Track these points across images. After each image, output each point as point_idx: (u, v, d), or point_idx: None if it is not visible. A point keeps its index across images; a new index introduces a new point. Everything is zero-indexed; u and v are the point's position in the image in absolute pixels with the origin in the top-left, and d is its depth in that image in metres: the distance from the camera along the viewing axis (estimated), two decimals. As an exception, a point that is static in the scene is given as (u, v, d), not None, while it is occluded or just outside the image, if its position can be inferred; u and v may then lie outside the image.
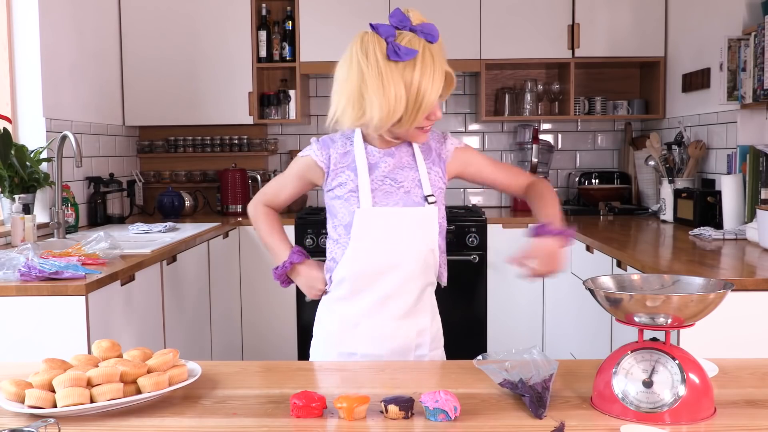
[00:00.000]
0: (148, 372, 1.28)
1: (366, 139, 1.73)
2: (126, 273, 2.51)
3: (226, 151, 4.46)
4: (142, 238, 3.32)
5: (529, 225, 1.69)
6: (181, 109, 4.28)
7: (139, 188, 4.36)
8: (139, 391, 1.26)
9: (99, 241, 2.63)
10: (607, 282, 1.28)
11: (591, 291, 1.23)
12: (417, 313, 1.74)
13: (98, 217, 3.80)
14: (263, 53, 4.29)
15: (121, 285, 2.51)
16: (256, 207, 1.90)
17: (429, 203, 1.70)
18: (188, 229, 3.54)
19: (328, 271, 1.77)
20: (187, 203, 4.32)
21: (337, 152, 1.73)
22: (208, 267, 3.60)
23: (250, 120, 4.27)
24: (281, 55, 4.31)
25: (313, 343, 1.84)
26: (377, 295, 1.71)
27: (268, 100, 4.36)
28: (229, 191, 4.31)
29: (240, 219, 4.10)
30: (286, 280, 1.83)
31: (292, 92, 4.33)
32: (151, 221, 3.89)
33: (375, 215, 1.68)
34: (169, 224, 3.58)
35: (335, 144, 1.75)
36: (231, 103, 4.27)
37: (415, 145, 1.74)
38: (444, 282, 1.81)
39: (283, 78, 4.51)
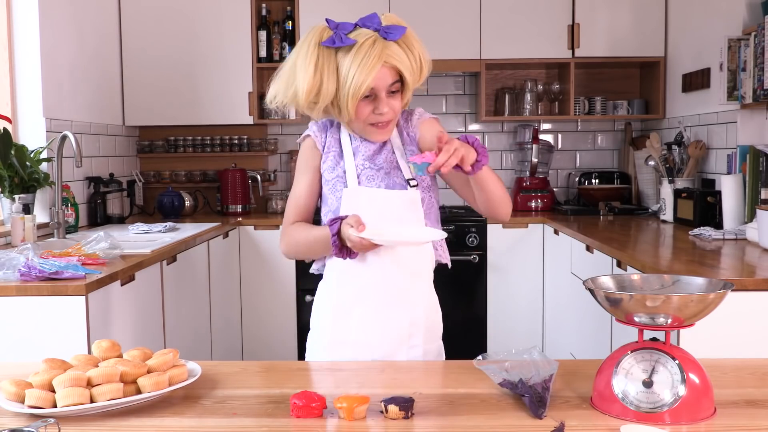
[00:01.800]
0: (148, 372, 1.28)
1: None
2: (126, 273, 2.51)
3: (226, 151, 4.46)
4: (142, 238, 3.32)
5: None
6: (181, 109, 4.28)
7: (139, 188, 4.36)
8: (139, 391, 1.26)
9: (99, 241, 2.63)
10: (607, 282, 1.28)
11: (591, 291, 1.23)
12: (409, 303, 1.72)
13: (98, 217, 3.80)
14: (263, 53, 4.29)
15: (121, 285, 2.51)
16: (283, 234, 1.79)
17: (411, 186, 1.71)
18: (188, 229, 3.54)
19: (321, 258, 1.79)
20: (187, 203, 4.32)
21: (332, 136, 1.78)
22: (208, 267, 3.60)
23: (250, 120, 4.27)
24: (281, 55, 4.31)
25: (309, 334, 1.83)
26: (368, 279, 1.70)
27: None
28: (229, 191, 4.32)
29: (240, 219, 4.11)
30: (347, 250, 1.65)
31: (292, 92, 4.33)
32: (151, 221, 3.90)
33: (361, 195, 1.70)
34: (169, 224, 3.58)
35: (332, 128, 1.79)
36: (231, 103, 4.27)
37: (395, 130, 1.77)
38: (447, 261, 1.79)
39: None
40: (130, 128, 4.40)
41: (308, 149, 1.79)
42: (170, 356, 1.33)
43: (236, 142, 4.47)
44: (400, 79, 1.64)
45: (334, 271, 1.76)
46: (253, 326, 4.11)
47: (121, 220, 3.97)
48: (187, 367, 1.37)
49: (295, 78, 1.61)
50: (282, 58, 4.30)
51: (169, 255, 3.02)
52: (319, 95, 1.61)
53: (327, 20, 1.62)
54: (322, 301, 1.80)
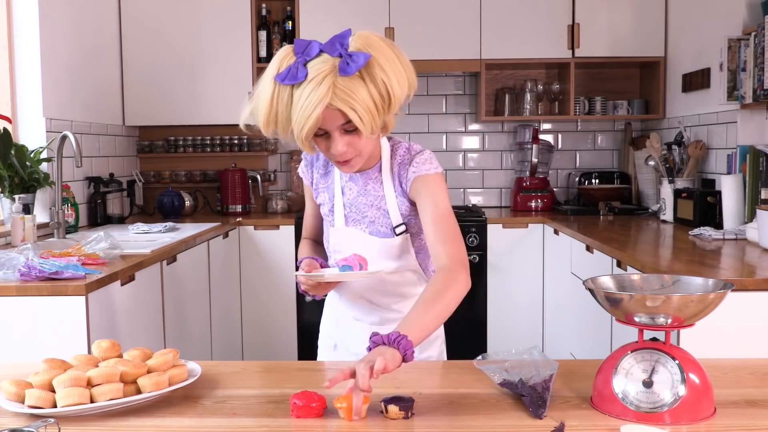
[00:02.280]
0: (148, 372, 1.28)
1: None
2: (126, 273, 2.51)
3: (226, 151, 4.46)
4: (142, 238, 3.32)
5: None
6: (181, 109, 4.28)
7: (139, 188, 4.36)
8: (139, 391, 1.26)
9: (99, 241, 2.63)
10: (607, 282, 1.28)
11: (591, 291, 1.23)
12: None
13: (98, 217, 3.80)
14: (263, 53, 4.29)
15: (121, 285, 2.51)
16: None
17: (397, 234, 1.65)
18: (188, 229, 3.54)
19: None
20: (187, 203, 4.32)
21: (318, 172, 1.75)
22: (208, 267, 3.60)
23: (250, 120, 4.25)
24: (281, 55, 4.31)
25: (319, 334, 1.90)
26: (361, 303, 1.75)
27: None
28: (229, 191, 4.31)
29: (240, 219, 4.10)
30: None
31: (292, 92, 4.33)
32: (151, 221, 3.90)
33: (348, 235, 1.69)
34: (169, 224, 3.58)
35: (318, 163, 1.76)
36: (231, 103, 4.25)
37: (385, 170, 1.65)
38: None
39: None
40: (130, 128, 4.40)
41: (304, 183, 1.81)
42: (170, 356, 1.33)
43: (236, 142, 4.47)
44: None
45: (334, 291, 1.81)
46: (253, 326, 4.11)
47: (121, 220, 3.97)
48: (187, 367, 1.37)
49: (257, 114, 1.56)
50: None
51: (169, 255, 3.02)
52: (277, 127, 1.53)
53: (295, 42, 1.48)
54: (328, 307, 1.85)
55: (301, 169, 1.79)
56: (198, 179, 4.53)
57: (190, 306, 3.32)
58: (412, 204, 1.65)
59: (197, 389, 1.34)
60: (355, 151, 1.53)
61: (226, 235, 3.89)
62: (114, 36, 4.19)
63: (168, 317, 3.00)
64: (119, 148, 4.25)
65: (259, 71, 4.29)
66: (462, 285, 1.48)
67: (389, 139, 1.69)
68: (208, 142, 4.46)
